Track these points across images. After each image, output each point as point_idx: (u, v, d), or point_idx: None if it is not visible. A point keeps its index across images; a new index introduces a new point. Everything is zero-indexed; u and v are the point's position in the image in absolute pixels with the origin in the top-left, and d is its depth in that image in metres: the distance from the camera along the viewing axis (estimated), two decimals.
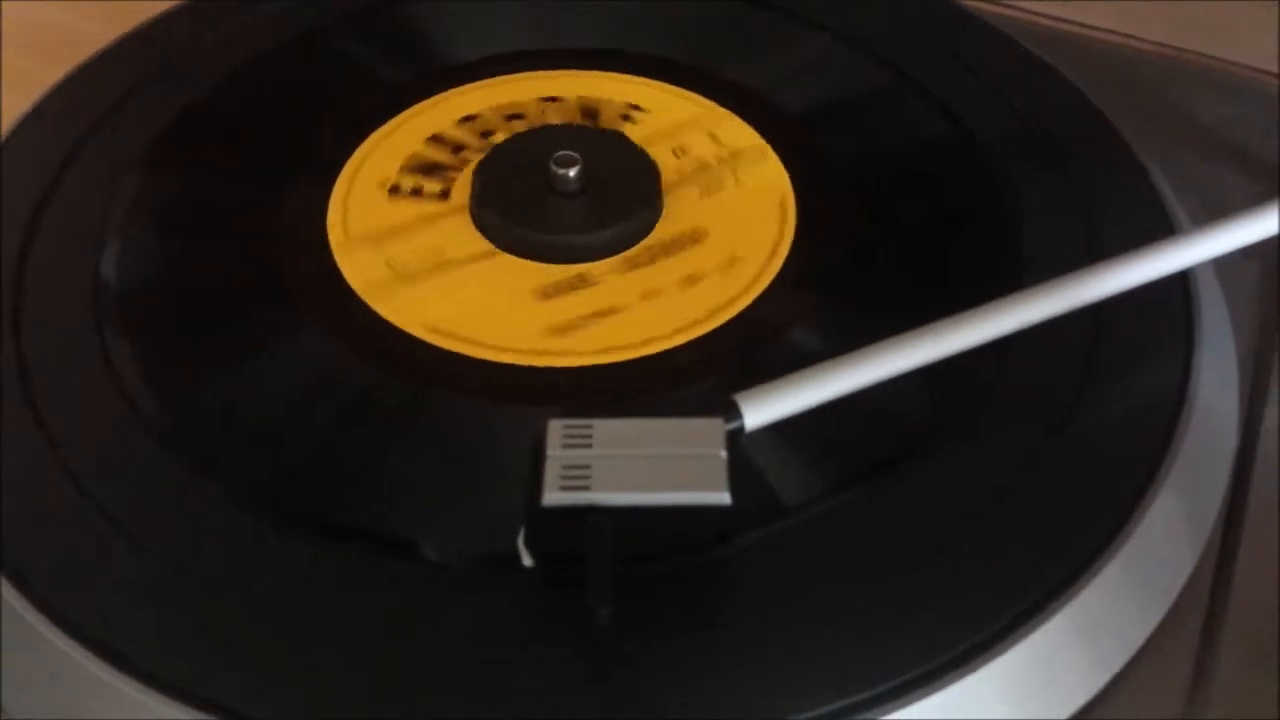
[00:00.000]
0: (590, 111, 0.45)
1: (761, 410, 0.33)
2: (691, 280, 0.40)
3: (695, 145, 0.43)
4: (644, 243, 0.41)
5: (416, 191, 0.43)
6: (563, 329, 0.39)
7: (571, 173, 0.41)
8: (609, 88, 0.46)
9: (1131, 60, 0.51)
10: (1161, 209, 0.42)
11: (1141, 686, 0.34)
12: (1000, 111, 0.45)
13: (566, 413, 0.33)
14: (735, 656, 0.32)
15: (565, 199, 0.41)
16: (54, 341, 0.39)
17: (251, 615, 0.33)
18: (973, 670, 0.32)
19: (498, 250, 0.41)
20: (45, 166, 0.43)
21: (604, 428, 0.33)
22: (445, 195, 0.42)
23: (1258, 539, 0.37)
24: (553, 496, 0.31)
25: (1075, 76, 0.46)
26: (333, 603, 0.33)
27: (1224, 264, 0.39)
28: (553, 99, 0.45)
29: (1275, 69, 0.49)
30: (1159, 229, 0.41)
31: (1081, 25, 0.52)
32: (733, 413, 0.33)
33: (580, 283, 0.40)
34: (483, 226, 0.41)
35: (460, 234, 0.41)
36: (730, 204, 0.42)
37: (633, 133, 0.44)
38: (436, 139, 0.44)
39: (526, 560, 0.33)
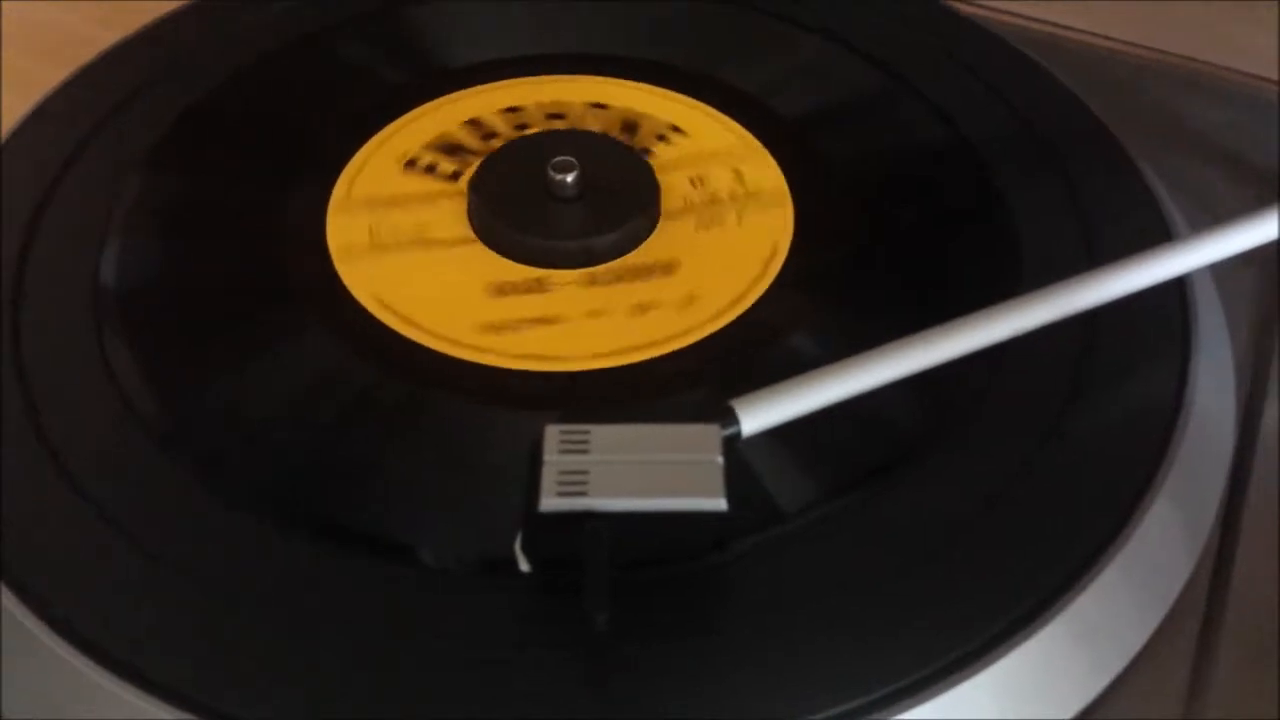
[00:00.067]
0: (630, 125, 0.44)
1: (758, 416, 0.33)
2: (642, 309, 0.39)
3: (716, 178, 0.43)
4: (614, 263, 0.41)
5: (431, 169, 0.43)
6: (497, 327, 0.39)
7: (569, 178, 0.41)
8: (655, 104, 0.45)
9: (1126, 65, 0.51)
10: (1157, 212, 0.42)
11: (1139, 691, 0.34)
12: (997, 116, 0.45)
13: (564, 416, 0.33)
14: (731, 662, 0.32)
15: (559, 203, 0.41)
16: (53, 343, 0.39)
17: (249, 618, 0.33)
18: (969, 676, 0.32)
19: (475, 240, 0.41)
20: (46, 167, 0.43)
21: (601, 433, 0.33)
22: (455, 177, 0.43)
23: (1255, 543, 0.37)
24: (549, 502, 0.31)
25: (1071, 81, 0.46)
26: (330, 606, 0.33)
27: (1220, 268, 0.39)
28: (599, 105, 0.45)
29: (1267, 73, 0.49)
30: (1155, 232, 0.42)
31: (1077, 30, 0.52)
32: (729, 418, 0.33)
33: (536, 287, 0.40)
34: (470, 213, 0.42)
35: (450, 217, 0.42)
36: (718, 244, 0.41)
37: (664, 153, 0.43)
38: (473, 123, 0.44)
39: (524, 565, 0.33)
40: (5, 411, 0.37)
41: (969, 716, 0.32)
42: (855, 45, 0.47)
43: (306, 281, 0.40)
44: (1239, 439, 0.39)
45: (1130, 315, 0.37)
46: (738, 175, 0.43)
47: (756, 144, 0.44)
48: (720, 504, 0.31)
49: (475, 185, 0.42)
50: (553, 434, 0.33)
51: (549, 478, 0.32)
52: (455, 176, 0.43)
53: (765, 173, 0.43)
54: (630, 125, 0.44)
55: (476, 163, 0.43)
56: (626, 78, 0.46)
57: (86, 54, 0.48)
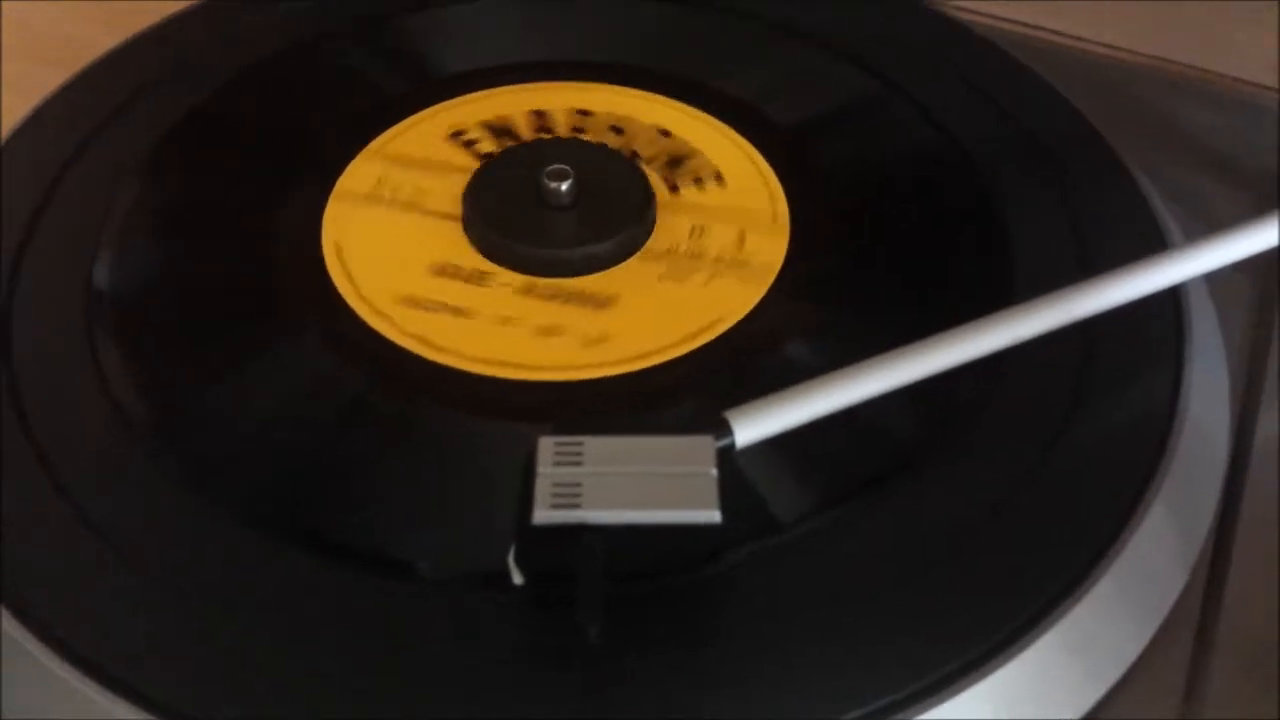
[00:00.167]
0: (676, 160, 0.44)
1: (752, 427, 0.33)
2: (548, 332, 0.39)
3: (717, 236, 0.41)
4: (558, 281, 0.40)
5: (471, 144, 0.44)
6: (414, 302, 0.39)
7: (563, 187, 0.41)
8: (706, 138, 0.44)
9: (1122, 71, 0.51)
10: (1153, 220, 0.42)
11: (1134, 701, 0.34)
12: (991, 124, 0.45)
13: (557, 428, 0.33)
14: (726, 674, 0.32)
15: (547, 207, 0.41)
16: (47, 347, 0.39)
17: (240, 630, 0.33)
18: (965, 687, 0.32)
19: (456, 219, 0.41)
20: (43, 171, 0.43)
21: (594, 445, 0.32)
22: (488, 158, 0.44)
23: (1250, 552, 0.37)
24: (543, 514, 0.31)
25: (1066, 87, 0.46)
26: (324, 619, 0.33)
27: (1214, 277, 0.39)
28: (665, 133, 0.44)
29: (1264, 79, 0.49)
30: (1151, 239, 0.42)
31: (1072, 36, 0.52)
32: (723, 430, 0.33)
33: (475, 278, 0.40)
34: (463, 194, 0.42)
35: (450, 190, 0.42)
36: (668, 298, 0.40)
37: (690, 197, 0.42)
38: (536, 113, 0.45)
39: (517, 578, 0.33)
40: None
41: None
42: (851, 53, 0.47)
43: (300, 288, 0.40)
44: (1234, 447, 0.39)
45: (1123, 324, 0.37)
46: (740, 240, 0.41)
47: (784, 215, 0.42)
48: (714, 516, 0.31)
49: (484, 169, 0.42)
50: (546, 446, 0.32)
51: (543, 490, 0.32)
52: (488, 157, 0.43)
53: (769, 246, 0.41)
54: (676, 160, 0.44)
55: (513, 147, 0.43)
56: (693, 105, 0.46)
57: (86, 58, 0.48)
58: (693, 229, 0.41)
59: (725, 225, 0.42)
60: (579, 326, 0.39)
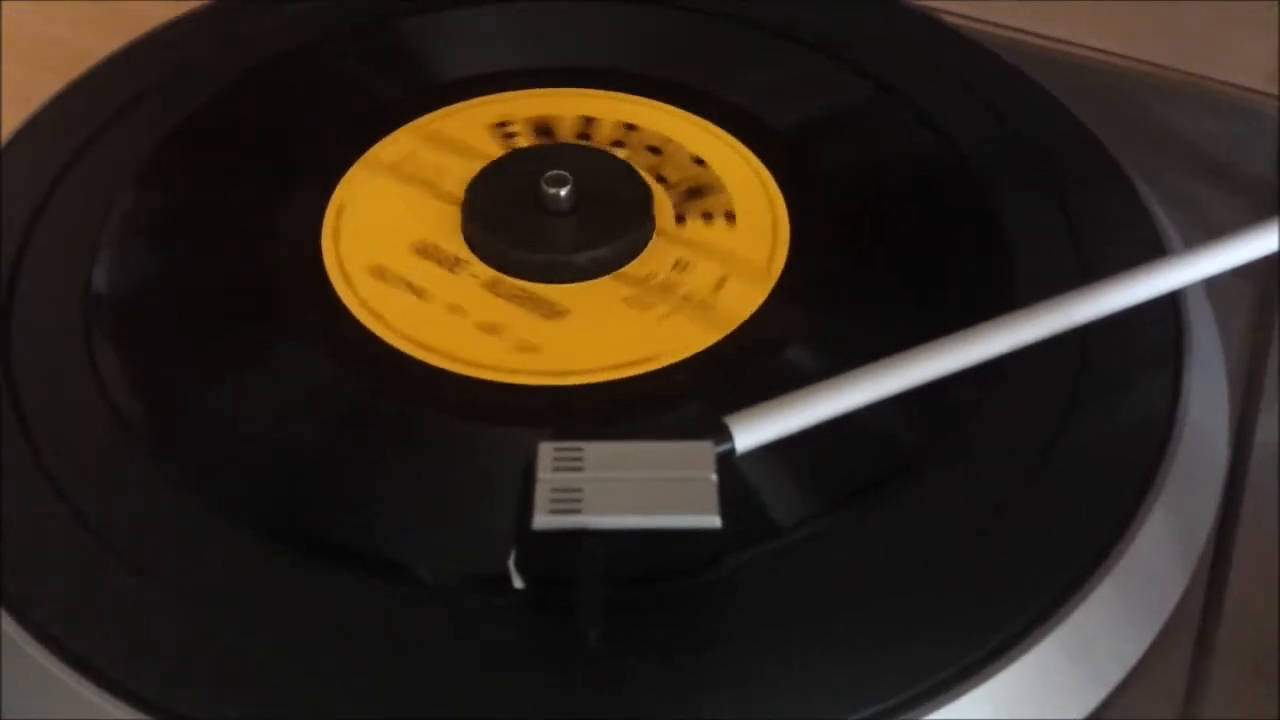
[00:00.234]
0: (697, 190, 0.43)
1: (752, 432, 0.33)
2: (489, 330, 0.39)
3: (699, 275, 0.40)
4: (521, 282, 0.40)
5: (511, 135, 0.45)
6: (380, 274, 0.40)
7: (562, 192, 0.41)
8: (737, 175, 0.44)
9: (1120, 77, 0.51)
10: (1152, 226, 0.42)
11: (1135, 704, 0.34)
12: (990, 131, 0.45)
13: (556, 433, 0.33)
14: (725, 678, 0.32)
15: (544, 210, 0.41)
16: (45, 351, 0.39)
17: (239, 631, 0.33)
18: (966, 690, 0.32)
19: (456, 205, 0.42)
20: (41, 177, 0.43)
21: (594, 450, 0.33)
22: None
23: (1250, 556, 0.37)
24: (543, 520, 0.31)
25: (1064, 94, 0.46)
26: (322, 622, 0.33)
27: (1213, 281, 0.39)
28: (699, 161, 0.44)
29: (1263, 86, 0.49)
30: (1150, 245, 0.42)
31: (1070, 43, 0.52)
32: (723, 435, 0.33)
33: (449, 262, 0.41)
34: (470, 181, 0.42)
35: (464, 172, 0.43)
36: (619, 323, 0.39)
37: (695, 231, 0.42)
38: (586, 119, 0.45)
39: (517, 582, 0.33)
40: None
41: None
42: (848, 60, 0.47)
43: (299, 290, 0.40)
44: (1233, 452, 0.39)
45: (1123, 328, 0.37)
46: (718, 284, 0.40)
47: (778, 264, 0.41)
48: (714, 521, 0.31)
49: (499, 162, 0.43)
50: (546, 451, 0.33)
51: (543, 495, 0.32)
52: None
53: (744, 295, 0.40)
54: (696, 190, 0.43)
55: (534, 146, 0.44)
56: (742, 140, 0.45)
57: (83, 65, 0.48)
58: (678, 262, 0.41)
59: (711, 266, 0.41)
60: (518, 331, 0.39)
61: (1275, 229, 0.38)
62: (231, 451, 0.37)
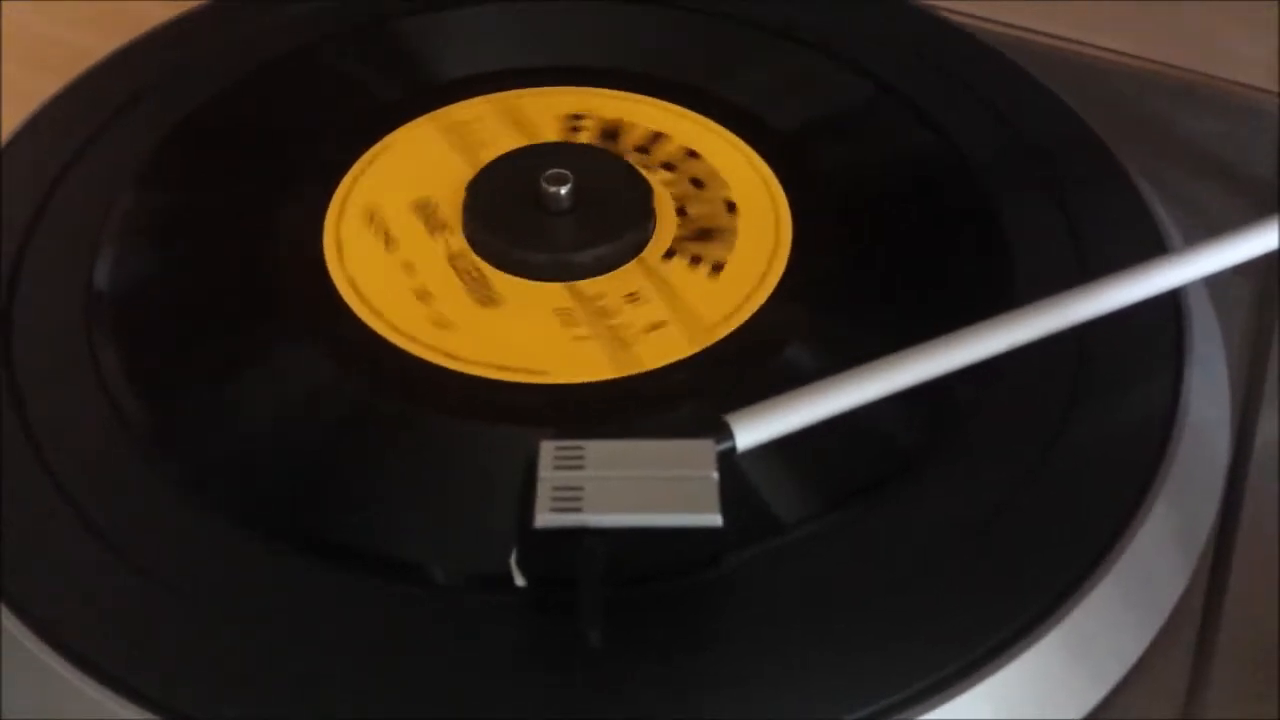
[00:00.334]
0: (705, 233, 0.41)
1: (753, 430, 0.33)
2: (420, 296, 0.40)
3: (643, 313, 0.39)
4: (486, 268, 0.40)
5: (577, 129, 0.45)
6: (370, 215, 0.42)
7: (562, 190, 0.41)
8: (756, 218, 0.42)
9: (1121, 75, 0.51)
10: (1153, 223, 0.42)
11: (1136, 702, 0.34)
12: (990, 129, 0.45)
13: (558, 432, 0.33)
14: (725, 677, 0.32)
15: (540, 204, 0.41)
16: (46, 351, 0.39)
17: (240, 629, 0.33)
18: (966, 688, 0.32)
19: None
20: (41, 177, 0.43)
21: (595, 449, 0.32)
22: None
23: (1251, 554, 0.37)
24: (544, 518, 0.31)
25: (1065, 92, 0.46)
26: (322, 621, 0.33)
27: (1214, 279, 0.39)
28: (731, 207, 0.42)
29: (1263, 83, 0.49)
30: (1150, 243, 0.42)
31: (1071, 40, 0.52)
32: (724, 433, 0.33)
33: (434, 224, 0.42)
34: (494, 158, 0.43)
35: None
36: (530, 327, 0.39)
37: (670, 270, 0.41)
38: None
39: (519, 580, 0.33)
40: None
41: None
42: (847, 59, 0.47)
43: (300, 292, 0.40)
44: (1234, 449, 0.39)
45: (1123, 326, 0.37)
46: (652, 327, 0.39)
47: (734, 320, 0.39)
48: (715, 520, 0.31)
49: (527, 149, 0.43)
50: (548, 449, 0.33)
51: (544, 493, 0.32)
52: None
53: (668, 345, 0.39)
54: (707, 233, 0.42)
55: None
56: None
57: (83, 65, 0.48)
58: (634, 293, 0.40)
59: (659, 309, 0.39)
60: (444, 305, 0.40)
61: (1276, 227, 0.38)
62: (232, 450, 0.37)
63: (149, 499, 0.35)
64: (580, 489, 0.32)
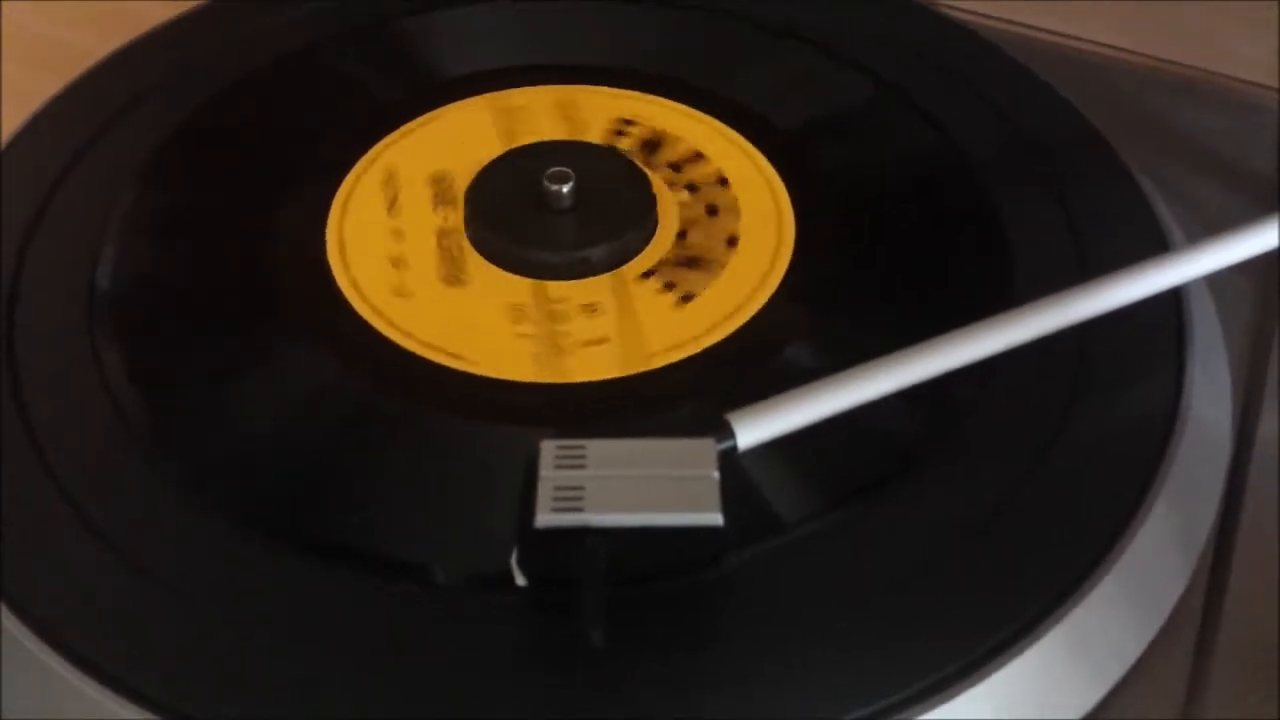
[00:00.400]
0: (691, 261, 0.41)
1: (754, 430, 0.33)
2: (395, 263, 0.40)
3: (593, 326, 0.39)
4: (466, 245, 0.41)
5: (622, 134, 0.45)
6: (388, 179, 0.43)
7: (564, 189, 0.41)
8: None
9: (1121, 73, 0.51)
10: (1154, 221, 0.42)
11: (1136, 702, 0.34)
12: (991, 126, 0.45)
13: (559, 431, 0.33)
14: (726, 676, 0.32)
15: (541, 200, 0.41)
16: (47, 351, 0.39)
17: (241, 630, 0.33)
18: (966, 688, 0.32)
19: None
20: (41, 178, 0.43)
21: (597, 448, 0.32)
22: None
23: (1251, 553, 0.37)
24: (545, 518, 0.31)
25: (1066, 88, 0.46)
26: (323, 621, 0.33)
27: (1215, 277, 0.39)
28: (732, 242, 0.41)
29: (1264, 80, 0.49)
30: (1151, 241, 0.42)
31: (1072, 37, 0.52)
32: (725, 432, 0.33)
33: (441, 197, 0.42)
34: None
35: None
36: (478, 316, 0.39)
37: (644, 291, 0.40)
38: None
39: (520, 580, 0.33)
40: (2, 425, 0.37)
41: None
42: (848, 56, 0.47)
43: (301, 291, 0.40)
44: (1235, 447, 0.39)
45: (1124, 324, 0.37)
46: (592, 343, 0.39)
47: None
48: (716, 519, 0.31)
49: (546, 143, 0.44)
50: (549, 449, 0.33)
51: (545, 493, 0.32)
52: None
53: (598, 362, 0.38)
54: (693, 261, 0.41)
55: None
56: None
57: (83, 65, 0.48)
58: (593, 305, 0.40)
59: (606, 325, 0.39)
60: (411, 278, 0.40)
61: (1277, 225, 0.38)
62: (232, 450, 0.37)
63: (149, 499, 0.35)
64: (581, 488, 0.32)
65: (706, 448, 0.33)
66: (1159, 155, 0.46)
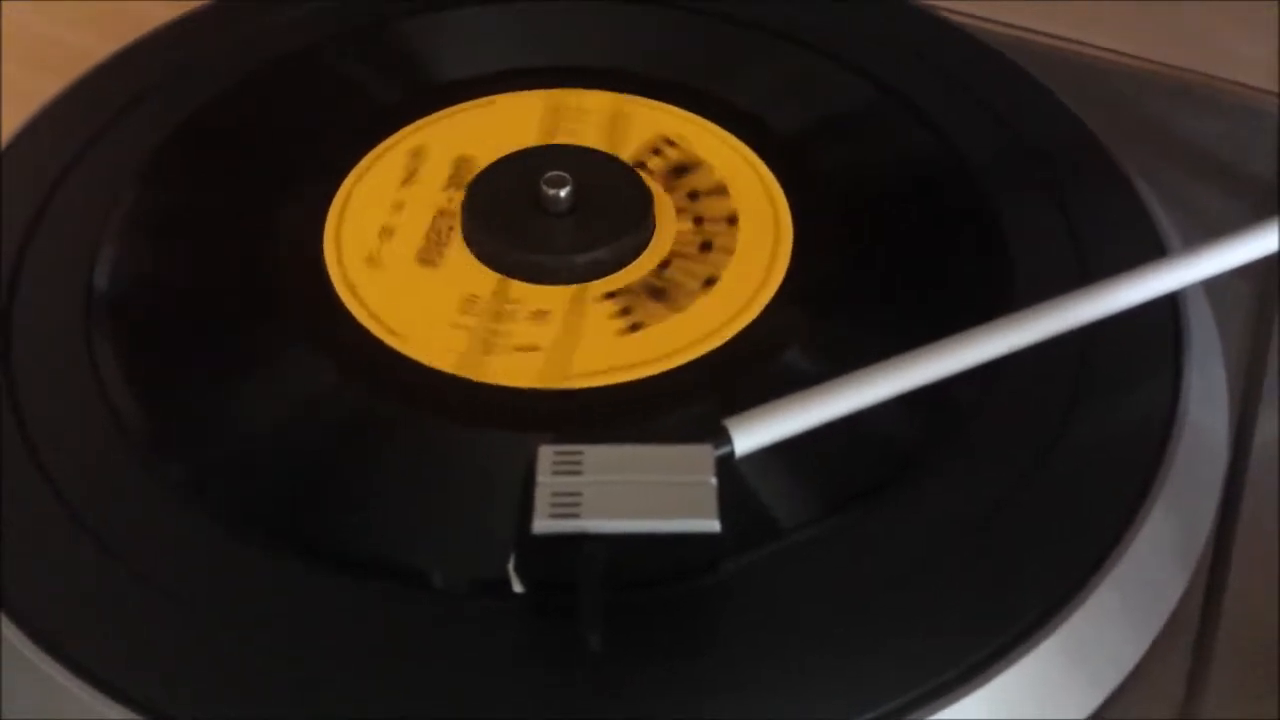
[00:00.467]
0: (658, 293, 0.40)
1: (752, 435, 0.33)
2: (384, 234, 0.41)
3: (537, 333, 0.39)
4: (455, 235, 0.41)
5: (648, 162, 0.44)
6: (417, 155, 0.44)
7: (561, 193, 0.41)
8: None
9: (1120, 77, 0.51)
10: (1152, 225, 0.42)
11: (1134, 705, 0.34)
12: (990, 130, 0.45)
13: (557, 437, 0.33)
14: (725, 681, 0.32)
15: (538, 203, 0.41)
16: (45, 354, 0.39)
17: (239, 635, 0.33)
18: (965, 692, 0.32)
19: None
20: (41, 178, 0.43)
21: (594, 454, 0.32)
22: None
23: (1249, 557, 0.37)
24: (543, 524, 0.31)
25: (1065, 93, 0.46)
26: (322, 627, 0.33)
27: (1213, 281, 0.39)
28: (708, 255, 0.41)
29: (1263, 84, 0.49)
30: (1150, 245, 0.42)
31: (1071, 41, 0.52)
32: (722, 438, 0.33)
33: (452, 180, 0.43)
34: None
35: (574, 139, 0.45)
36: (445, 310, 0.39)
37: (593, 316, 0.40)
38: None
39: (517, 586, 0.33)
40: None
41: None
42: (849, 60, 0.47)
43: (300, 293, 0.40)
44: (1233, 452, 0.39)
45: (1122, 327, 0.37)
46: (525, 349, 0.38)
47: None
48: (713, 525, 0.31)
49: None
50: (546, 455, 0.33)
51: (542, 499, 0.32)
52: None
53: (523, 369, 0.38)
54: (660, 291, 0.40)
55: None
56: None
57: (84, 65, 0.48)
58: (545, 312, 0.39)
59: (546, 334, 0.39)
60: (390, 249, 0.41)
61: (1275, 229, 0.38)
62: (230, 454, 0.37)
63: (147, 503, 0.35)
64: (579, 494, 0.32)
65: (704, 454, 0.33)
66: (1158, 159, 0.46)
